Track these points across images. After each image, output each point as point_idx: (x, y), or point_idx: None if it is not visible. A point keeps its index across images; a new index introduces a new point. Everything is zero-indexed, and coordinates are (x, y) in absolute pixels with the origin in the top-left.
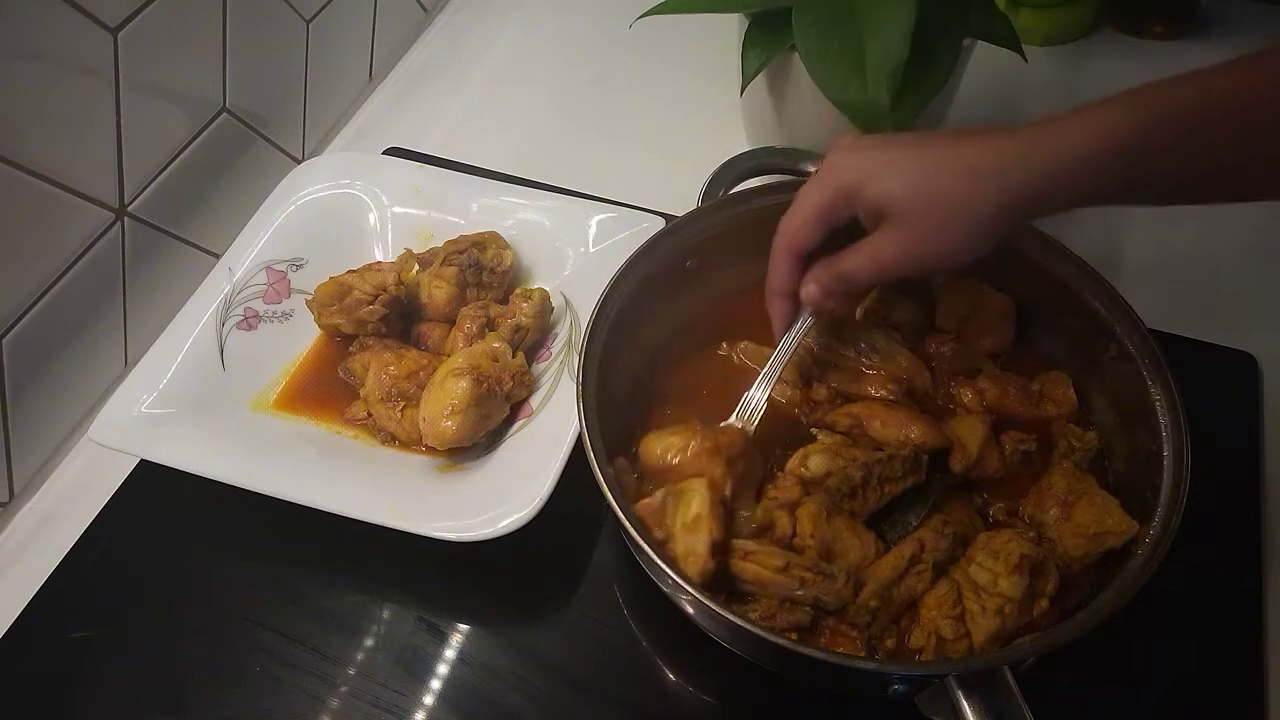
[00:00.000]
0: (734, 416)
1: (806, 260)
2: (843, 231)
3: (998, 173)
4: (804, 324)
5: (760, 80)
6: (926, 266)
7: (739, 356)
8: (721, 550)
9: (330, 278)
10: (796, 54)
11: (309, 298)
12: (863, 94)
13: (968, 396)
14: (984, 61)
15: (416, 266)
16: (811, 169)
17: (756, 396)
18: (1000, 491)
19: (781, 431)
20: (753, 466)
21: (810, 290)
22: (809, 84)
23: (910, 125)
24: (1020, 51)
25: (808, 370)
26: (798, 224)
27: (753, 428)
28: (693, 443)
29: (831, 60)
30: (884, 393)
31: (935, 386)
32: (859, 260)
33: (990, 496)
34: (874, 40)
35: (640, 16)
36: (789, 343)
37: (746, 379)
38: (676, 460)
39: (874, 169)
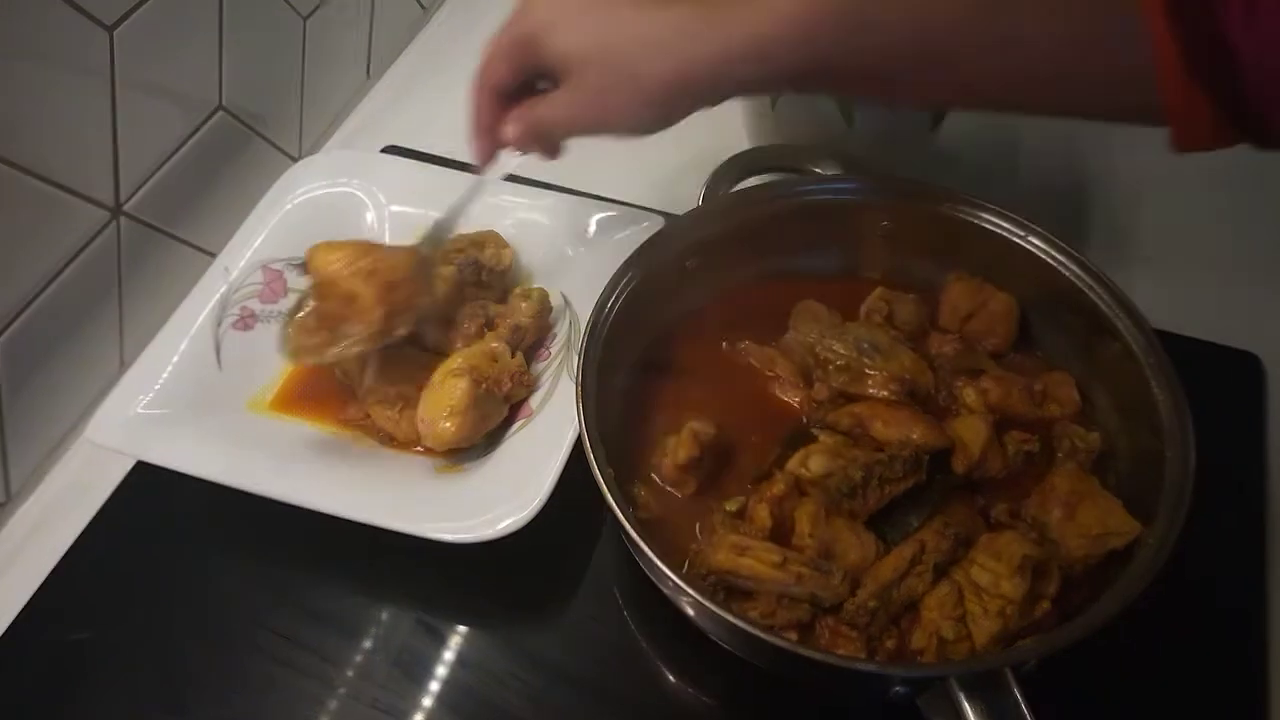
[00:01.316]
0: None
1: (511, 98)
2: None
3: (670, 48)
4: (507, 163)
5: None
6: (602, 131)
7: (740, 355)
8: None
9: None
10: None
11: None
12: None
13: (970, 397)
14: None
15: None
16: (812, 168)
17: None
18: (1002, 492)
19: (782, 431)
20: (415, 292)
21: (509, 131)
22: None
23: None
24: None
25: (809, 370)
26: (489, 62)
27: (435, 250)
28: (359, 261)
29: None
30: (886, 393)
31: (937, 386)
32: (549, 112)
33: (992, 497)
34: None
35: None
36: (486, 180)
37: (747, 378)
38: (335, 270)
39: (556, 21)
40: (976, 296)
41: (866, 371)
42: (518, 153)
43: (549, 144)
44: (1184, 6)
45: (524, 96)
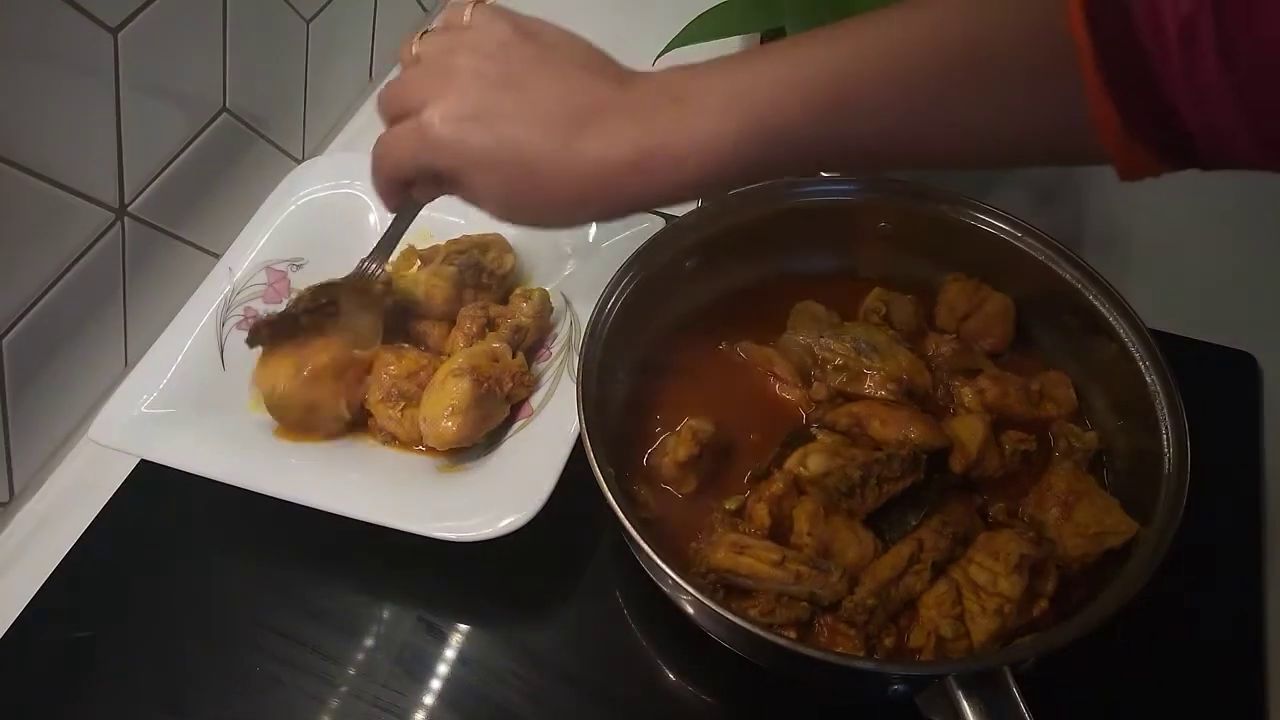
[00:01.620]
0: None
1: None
2: None
3: (591, 199)
4: (418, 209)
5: None
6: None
7: (739, 355)
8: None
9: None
10: None
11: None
12: None
13: (967, 396)
14: None
15: (418, 263)
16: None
17: (372, 267)
18: (1000, 491)
19: (782, 430)
20: (362, 359)
21: (420, 193)
22: None
23: None
24: None
25: (807, 370)
26: (396, 171)
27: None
28: (300, 372)
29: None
30: (884, 393)
31: (934, 386)
32: (464, 197)
33: (990, 496)
34: None
35: (660, 54)
36: (404, 221)
37: (747, 377)
38: (285, 393)
39: (466, 165)
40: (973, 297)
41: (864, 371)
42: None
43: None
44: (1113, 56)
45: None
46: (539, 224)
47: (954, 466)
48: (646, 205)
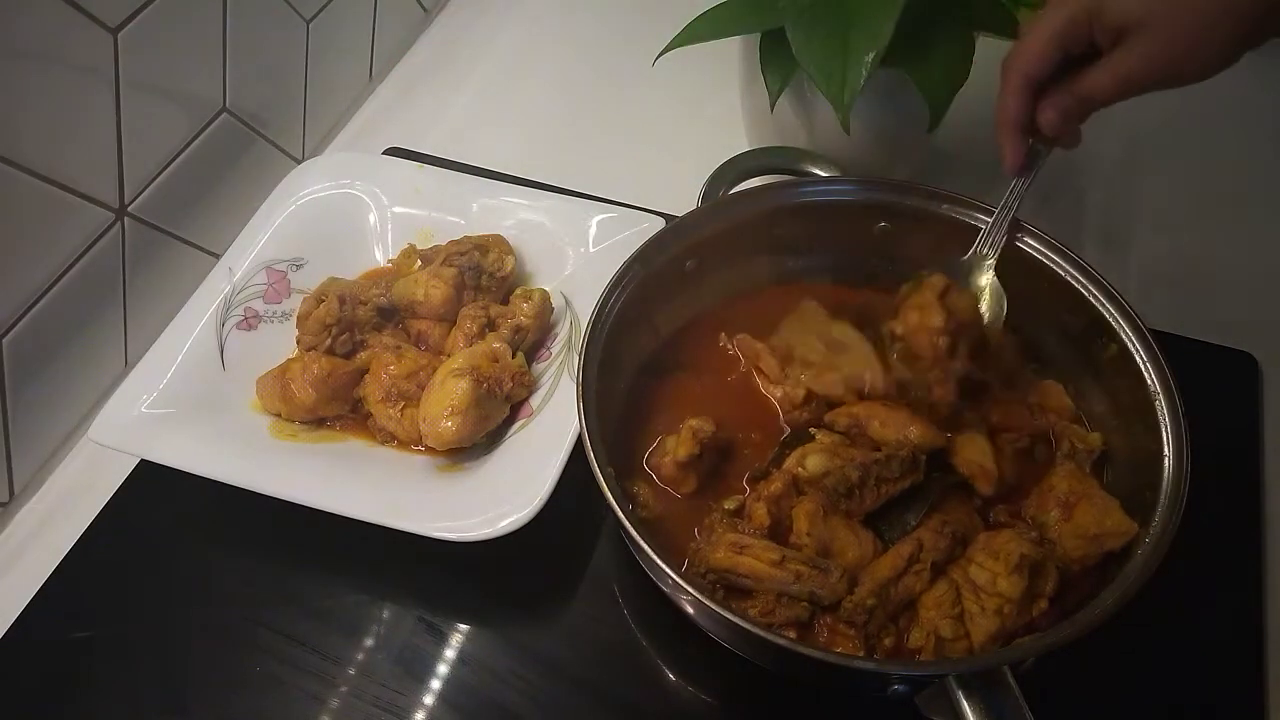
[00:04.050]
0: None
1: (1039, 91)
2: (1076, 60)
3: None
4: (1041, 160)
5: (759, 79)
6: (1173, 82)
7: (739, 354)
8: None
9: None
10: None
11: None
12: (841, 81)
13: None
14: (984, 60)
15: (419, 262)
16: (810, 170)
17: (993, 235)
18: (1001, 493)
19: (781, 430)
20: (342, 364)
21: (1049, 116)
22: (809, 84)
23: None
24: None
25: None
26: (1035, 49)
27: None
28: (287, 403)
29: (817, 45)
30: (842, 391)
31: (911, 387)
32: (1101, 79)
33: (991, 497)
34: (859, 24)
35: (660, 54)
36: (1024, 185)
37: (746, 377)
38: (280, 424)
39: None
40: (937, 307)
41: (829, 371)
42: (1043, 149)
43: (1081, 121)
44: None
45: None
46: (1199, 51)
47: (983, 490)
48: None
